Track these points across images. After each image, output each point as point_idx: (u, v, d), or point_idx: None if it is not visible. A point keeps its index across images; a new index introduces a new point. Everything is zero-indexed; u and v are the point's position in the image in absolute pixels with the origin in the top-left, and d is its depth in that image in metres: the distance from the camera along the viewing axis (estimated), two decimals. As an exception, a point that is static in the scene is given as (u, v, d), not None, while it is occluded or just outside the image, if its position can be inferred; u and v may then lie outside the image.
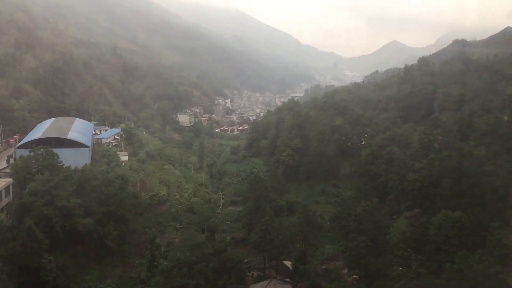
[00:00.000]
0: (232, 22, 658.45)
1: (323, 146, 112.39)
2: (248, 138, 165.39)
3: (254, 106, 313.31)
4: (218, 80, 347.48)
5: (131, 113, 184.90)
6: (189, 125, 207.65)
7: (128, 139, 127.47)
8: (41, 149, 76.12)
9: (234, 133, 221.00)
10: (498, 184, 67.08)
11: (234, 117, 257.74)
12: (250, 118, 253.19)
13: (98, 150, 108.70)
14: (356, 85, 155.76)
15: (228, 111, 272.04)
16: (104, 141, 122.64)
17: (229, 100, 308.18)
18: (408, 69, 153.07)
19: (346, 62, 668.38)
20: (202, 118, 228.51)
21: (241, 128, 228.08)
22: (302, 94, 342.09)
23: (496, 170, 71.44)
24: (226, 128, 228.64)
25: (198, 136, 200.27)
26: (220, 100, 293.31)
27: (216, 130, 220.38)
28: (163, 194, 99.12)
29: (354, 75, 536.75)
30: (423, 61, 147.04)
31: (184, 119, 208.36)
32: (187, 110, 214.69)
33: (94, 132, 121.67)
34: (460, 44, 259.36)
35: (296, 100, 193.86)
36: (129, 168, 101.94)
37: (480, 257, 48.66)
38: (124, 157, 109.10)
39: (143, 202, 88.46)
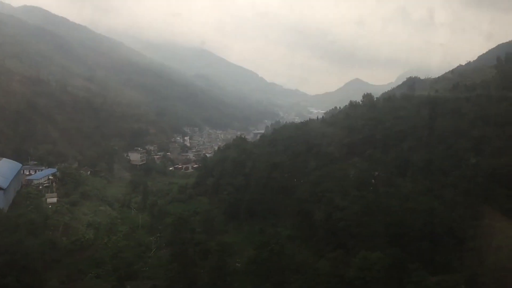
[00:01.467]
0: (197, 60, 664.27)
1: (263, 184, 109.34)
2: (196, 176, 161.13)
3: (213, 143, 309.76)
4: (178, 118, 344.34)
5: (78, 151, 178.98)
6: (140, 163, 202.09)
7: (63, 179, 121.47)
8: None
9: (188, 171, 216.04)
10: (419, 222, 65.09)
11: (190, 155, 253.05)
12: (208, 155, 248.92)
13: (24, 192, 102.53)
14: (304, 121, 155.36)
15: (185, 149, 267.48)
16: (35, 182, 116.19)
17: (188, 137, 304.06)
18: (353, 105, 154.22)
19: (311, 99, 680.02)
20: (156, 156, 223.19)
21: (196, 165, 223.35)
22: (263, 131, 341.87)
23: (418, 207, 69.62)
24: (181, 166, 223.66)
25: (149, 174, 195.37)
26: (178, 138, 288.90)
27: (170, 168, 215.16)
28: (87, 238, 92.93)
29: (318, 112, 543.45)
30: (368, 97, 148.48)
31: (135, 157, 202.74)
32: (139, 148, 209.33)
33: (23, 173, 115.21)
34: (412, 81, 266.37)
35: (243, 136, 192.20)
36: (54, 211, 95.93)
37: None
38: (52, 199, 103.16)
39: (61, 248, 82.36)
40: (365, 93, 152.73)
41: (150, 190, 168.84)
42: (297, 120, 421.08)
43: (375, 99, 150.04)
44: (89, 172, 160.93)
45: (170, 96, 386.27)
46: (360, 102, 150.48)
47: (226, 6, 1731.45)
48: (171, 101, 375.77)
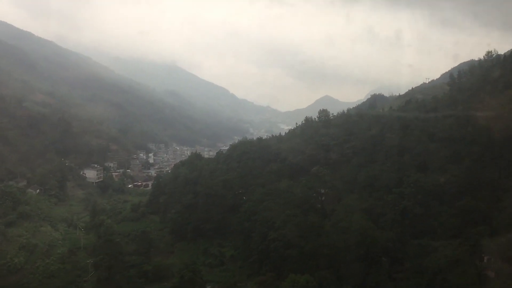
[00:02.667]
0: (168, 77, 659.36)
1: (211, 202, 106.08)
2: (150, 194, 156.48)
3: (178, 159, 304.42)
4: (144, 134, 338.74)
5: (29, 169, 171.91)
6: (97, 180, 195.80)
7: (1, 198, 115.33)
8: None
9: (148, 188, 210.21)
10: (351, 242, 62.98)
11: (152, 172, 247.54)
12: (169, 172, 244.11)
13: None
14: (260, 138, 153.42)
15: (147, 166, 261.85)
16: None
17: (152, 154, 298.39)
18: (308, 121, 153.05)
19: (282, 115, 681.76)
20: (115, 173, 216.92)
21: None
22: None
23: (350, 227, 67.59)
24: (140, 183, 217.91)
25: (105, 192, 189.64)
26: (141, 154, 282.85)
27: (129, 186, 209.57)
28: (16, 262, 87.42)
29: (288, 128, 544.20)
30: (323, 113, 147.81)
31: (91, 174, 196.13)
32: (96, 165, 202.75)
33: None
34: (375, 98, 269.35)
35: (198, 152, 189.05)
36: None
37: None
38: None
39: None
40: (321, 109, 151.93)
41: (103, 208, 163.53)
42: (266, 136, 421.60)
43: (330, 116, 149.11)
44: (37, 190, 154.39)
45: (137, 112, 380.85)
46: (317, 118, 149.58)
47: (197, 24, 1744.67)
48: (137, 117, 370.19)
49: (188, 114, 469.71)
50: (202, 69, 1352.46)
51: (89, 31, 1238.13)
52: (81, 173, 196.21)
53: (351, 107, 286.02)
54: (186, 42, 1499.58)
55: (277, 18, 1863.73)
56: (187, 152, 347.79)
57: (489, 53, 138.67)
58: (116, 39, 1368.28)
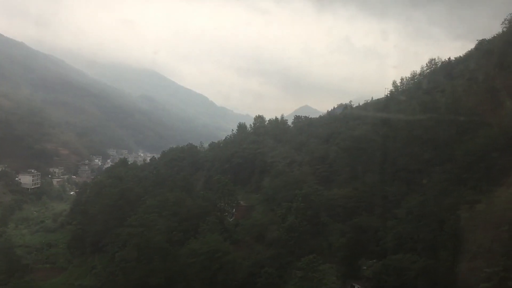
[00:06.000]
0: (146, 82, 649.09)
1: (108, 212, 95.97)
2: (72, 202, 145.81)
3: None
4: (107, 139, 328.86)
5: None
6: (32, 187, 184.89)
7: None
8: None
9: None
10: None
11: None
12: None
13: None
14: (190, 145, 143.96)
15: (100, 172, 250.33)
16: None
17: (109, 159, 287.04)
18: (241, 127, 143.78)
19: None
20: (56, 180, 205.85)
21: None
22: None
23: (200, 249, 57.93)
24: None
25: (39, 199, 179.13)
26: (97, 160, 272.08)
27: (71, 193, 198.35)
28: None
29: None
30: (258, 119, 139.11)
31: (26, 180, 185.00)
32: (33, 171, 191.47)
33: None
34: (341, 107, 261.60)
35: (125, 158, 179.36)
36: None
37: None
38: None
39: None
40: (256, 115, 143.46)
41: (27, 217, 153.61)
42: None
43: (266, 123, 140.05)
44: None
45: (102, 117, 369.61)
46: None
47: (178, 31, 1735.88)
48: (101, 122, 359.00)
49: (160, 120, 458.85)
50: (182, 76, 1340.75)
51: (66, 35, 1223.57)
52: (16, 178, 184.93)
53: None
54: (166, 48, 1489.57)
55: (258, 27, 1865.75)
56: (149, 159, 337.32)
57: (432, 61, 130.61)
58: (95, 44, 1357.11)
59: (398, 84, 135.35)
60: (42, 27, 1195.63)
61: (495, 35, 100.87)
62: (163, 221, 72.24)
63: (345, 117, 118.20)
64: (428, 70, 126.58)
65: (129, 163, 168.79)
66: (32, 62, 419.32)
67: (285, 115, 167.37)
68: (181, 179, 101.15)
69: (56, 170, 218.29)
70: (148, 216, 72.40)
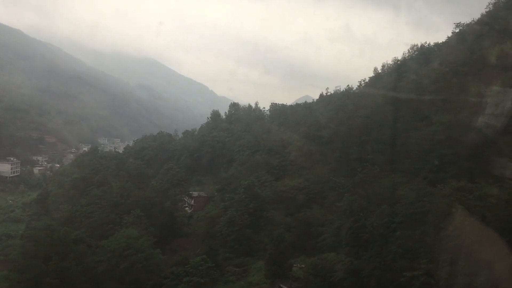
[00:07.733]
0: (146, 71, 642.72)
1: (59, 203, 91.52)
2: (41, 191, 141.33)
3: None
4: (98, 127, 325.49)
5: None
6: (11, 175, 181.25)
7: None
8: None
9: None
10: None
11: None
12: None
13: None
14: (162, 133, 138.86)
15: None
16: None
17: (99, 148, 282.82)
18: (215, 115, 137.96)
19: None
20: (39, 168, 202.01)
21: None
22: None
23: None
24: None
25: (17, 188, 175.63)
26: (85, 149, 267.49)
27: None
28: None
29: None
30: (234, 107, 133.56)
31: (4, 168, 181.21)
32: (12, 158, 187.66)
33: None
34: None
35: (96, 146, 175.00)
36: None
37: None
38: None
39: None
40: (232, 103, 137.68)
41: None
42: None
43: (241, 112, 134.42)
44: None
45: (96, 105, 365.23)
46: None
47: (179, 20, 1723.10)
48: (94, 110, 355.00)
49: (157, 108, 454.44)
50: (182, 65, 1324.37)
51: (65, 23, 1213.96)
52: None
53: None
54: (166, 37, 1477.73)
55: (259, 16, 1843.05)
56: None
57: (414, 46, 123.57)
58: (94, 32, 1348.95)
59: (379, 71, 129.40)
60: (41, 15, 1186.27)
61: (473, 19, 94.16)
62: (99, 213, 67.23)
63: (317, 104, 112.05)
64: (409, 56, 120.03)
65: (107, 151, 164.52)
66: (27, 49, 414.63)
67: (288, 103, 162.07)
68: (134, 168, 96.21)
69: (40, 158, 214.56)
70: (86, 208, 67.64)
